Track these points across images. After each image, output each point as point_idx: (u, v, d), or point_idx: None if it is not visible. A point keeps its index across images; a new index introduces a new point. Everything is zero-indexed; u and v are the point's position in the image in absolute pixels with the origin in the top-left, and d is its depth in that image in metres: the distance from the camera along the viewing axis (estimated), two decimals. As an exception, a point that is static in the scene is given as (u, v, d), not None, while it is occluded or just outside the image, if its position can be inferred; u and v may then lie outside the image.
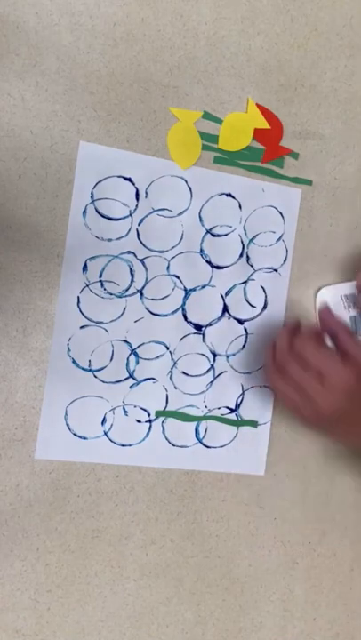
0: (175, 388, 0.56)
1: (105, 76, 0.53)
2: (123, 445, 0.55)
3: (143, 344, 0.55)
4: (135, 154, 0.54)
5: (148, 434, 0.55)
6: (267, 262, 0.58)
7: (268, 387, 0.58)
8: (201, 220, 0.56)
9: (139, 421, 0.55)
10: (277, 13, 0.58)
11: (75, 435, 0.53)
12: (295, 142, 0.59)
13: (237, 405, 0.58)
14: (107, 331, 0.54)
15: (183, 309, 0.56)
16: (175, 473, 0.56)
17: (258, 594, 0.59)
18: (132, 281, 0.54)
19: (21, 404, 0.52)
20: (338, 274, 0.60)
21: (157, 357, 0.55)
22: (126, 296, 0.54)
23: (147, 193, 0.54)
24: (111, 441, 0.54)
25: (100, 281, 0.54)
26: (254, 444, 0.58)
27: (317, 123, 0.59)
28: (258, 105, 0.57)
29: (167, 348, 0.56)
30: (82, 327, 0.53)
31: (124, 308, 0.54)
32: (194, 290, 0.56)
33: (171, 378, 0.56)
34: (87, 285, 0.53)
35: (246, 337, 0.58)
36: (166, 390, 0.56)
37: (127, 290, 0.54)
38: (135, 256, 0.54)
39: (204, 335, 0.57)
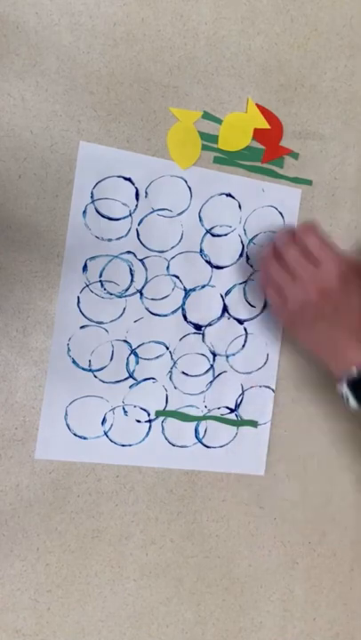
0: (175, 387, 0.56)
1: (105, 76, 0.53)
2: (123, 445, 0.55)
3: (143, 344, 0.55)
4: (135, 154, 0.54)
5: (147, 434, 0.55)
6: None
7: (261, 290, 0.57)
8: (201, 219, 0.56)
9: (138, 421, 0.55)
10: (277, 13, 0.58)
11: (75, 435, 0.53)
12: (295, 142, 0.59)
13: (237, 405, 0.58)
14: (107, 331, 0.54)
15: (183, 309, 0.56)
16: (175, 473, 0.56)
17: (258, 594, 0.59)
18: (131, 281, 0.54)
19: (21, 403, 0.52)
20: (338, 274, 0.60)
21: (157, 357, 0.55)
22: (126, 296, 0.54)
23: (147, 193, 0.54)
24: (111, 441, 0.54)
25: (100, 281, 0.54)
26: (254, 443, 0.58)
27: (317, 123, 0.59)
28: (258, 105, 0.57)
29: (167, 348, 0.56)
30: (82, 327, 0.53)
31: (124, 308, 0.54)
32: (194, 290, 0.56)
33: (170, 378, 0.56)
34: (87, 285, 0.53)
35: (246, 337, 0.58)
36: (166, 390, 0.56)
37: (127, 290, 0.54)
38: (135, 256, 0.54)
39: (203, 335, 0.57)
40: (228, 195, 0.57)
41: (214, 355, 0.57)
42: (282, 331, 0.59)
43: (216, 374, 0.57)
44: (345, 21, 0.60)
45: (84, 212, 0.53)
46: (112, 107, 0.53)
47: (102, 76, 0.53)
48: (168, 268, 0.55)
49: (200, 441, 0.57)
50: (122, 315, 0.54)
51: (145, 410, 0.55)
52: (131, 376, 0.55)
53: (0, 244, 0.51)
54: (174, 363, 0.56)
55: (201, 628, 0.57)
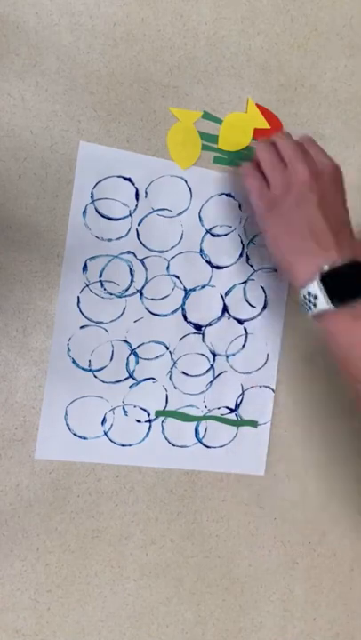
0: (175, 387, 0.56)
1: (105, 76, 0.53)
2: (123, 445, 0.55)
3: (143, 344, 0.55)
4: (135, 154, 0.54)
5: (147, 434, 0.55)
6: (267, 262, 0.58)
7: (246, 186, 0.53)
8: (201, 219, 0.56)
9: (138, 421, 0.55)
10: (277, 13, 0.58)
11: (75, 435, 0.53)
12: (295, 142, 0.58)
13: (237, 405, 0.58)
14: (107, 331, 0.54)
15: (183, 309, 0.56)
16: (175, 473, 0.56)
17: (258, 594, 0.59)
18: (131, 281, 0.54)
19: (21, 403, 0.52)
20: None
21: (157, 357, 0.55)
22: (126, 296, 0.54)
23: (146, 193, 0.54)
24: (111, 441, 0.54)
25: (100, 281, 0.54)
26: (254, 443, 0.58)
27: (317, 123, 0.59)
28: (258, 105, 0.57)
29: (167, 348, 0.56)
30: (82, 327, 0.53)
31: (124, 308, 0.54)
32: (194, 290, 0.56)
33: (170, 378, 0.56)
34: (87, 285, 0.53)
35: (246, 337, 0.58)
36: (166, 390, 0.56)
37: (127, 290, 0.54)
38: (135, 256, 0.54)
39: (203, 335, 0.57)
40: (228, 195, 0.57)
41: (214, 355, 0.57)
42: (282, 330, 0.59)
43: (216, 374, 0.57)
44: (345, 21, 0.60)
45: (84, 212, 0.53)
46: (112, 107, 0.53)
47: (102, 75, 0.53)
48: (168, 268, 0.55)
49: (200, 441, 0.57)
50: (122, 315, 0.54)
51: (145, 410, 0.55)
52: (131, 376, 0.55)
53: (0, 244, 0.51)
54: (174, 363, 0.56)
55: (201, 628, 0.57)
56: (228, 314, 0.57)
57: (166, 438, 0.56)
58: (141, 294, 0.55)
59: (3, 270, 0.51)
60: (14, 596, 0.52)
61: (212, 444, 0.57)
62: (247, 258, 0.58)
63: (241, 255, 0.58)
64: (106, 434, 0.54)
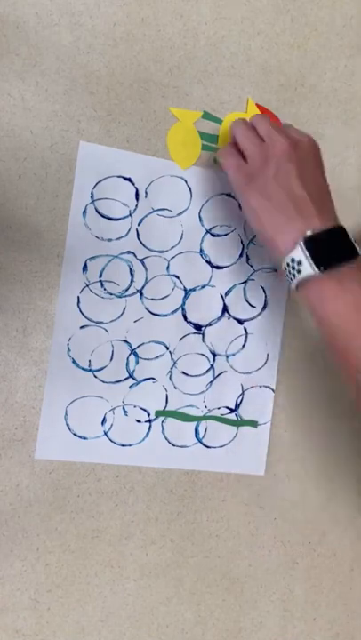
0: (175, 387, 0.56)
1: (105, 76, 0.53)
2: (123, 445, 0.55)
3: (143, 344, 0.55)
4: (135, 154, 0.54)
5: (147, 434, 0.55)
6: (267, 262, 0.58)
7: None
8: (201, 220, 0.56)
9: (138, 421, 0.55)
10: (277, 13, 0.58)
11: (75, 435, 0.53)
12: (295, 142, 0.58)
13: (237, 405, 0.58)
14: (107, 331, 0.54)
15: (183, 309, 0.56)
16: (175, 473, 0.56)
17: (258, 594, 0.59)
18: (131, 281, 0.54)
19: (21, 403, 0.52)
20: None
21: (157, 357, 0.55)
22: (126, 296, 0.54)
23: (146, 193, 0.54)
24: (111, 441, 0.54)
25: (100, 281, 0.54)
26: (254, 443, 0.58)
27: (317, 123, 0.59)
28: (258, 105, 0.57)
29: (167, 348, 0.56)
30: (82, 327, 0.53)
31: (124, 308, 0.54)
32: (194, 290, 0.56)
33: (170, 378, 0.56)
34: (87, 285, 0.53)
35: (246, 337, 0.58)
36: (166, 390, 0.56)
37: (127, 290, 0.54)
38: (135, 256, 0.54)
39: (203, 335, 0.57)
40: (228, 195, 0.57)
41: (214, 355, 0.57)
42: (282, 330, 0.59)
43: (216, 374, 0.57)
44: (345, 21, 0.60)
45: (84, 211, 0.53)
46: (112, 107, 0.53)
47: (102, 76, 0.53)
48: (168, 268, 0.55)
49: (200, 441, 0.57)
50: (122, 315, 0.54)
51: (145, 410, 0.55)
52: (131, 376, 0.55)
53: (0, 244, 0.51)
54: (174, 363, 0.56)
55: (201, 628, 0.57)
56: (228, 314, 0.57)
57: (166, 438, 0.56)
58: (141, 294, 0.55)
59: (3, 270, 0.51)
60: (14, 596, 0.52)
61: (212, 444, 0.57)
62: (247, 258, 0.58)
63: (241, 255, 0.58)
64: (106, 434, 0.54)
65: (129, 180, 0.54)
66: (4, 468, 0.51)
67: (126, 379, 0.55)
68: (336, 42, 0.60)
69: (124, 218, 0.54)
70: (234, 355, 0.58)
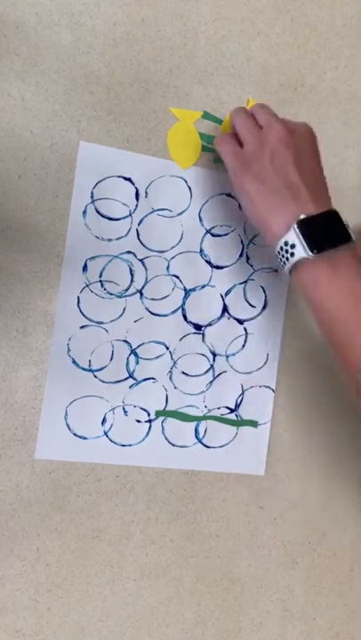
0: (175, 387, 0.56)
1: (105, 76, 0.53)
2: (123, 445, 0.55)
3: (143, 344, 0.55)
4: (135, 154, 0.54)
5: (147, 434, 0.55)
6: (267, 262, 0.58)
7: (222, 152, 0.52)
8: (201, 220, 0.56)
9: (138, 421, 0.55)
10: (277, 13, 0.58)
11: (75, 435, 0.53)
12: (295, 142, 0.58)
13: (237, 405, 0.58)
14: (107, 331, 0.54)
15: (183, 309, 0.56)
16: (175, 473, 0.56)
17: (258, 594, 0.59)
18: (131, 281, 0.54)
19: (21, 403, 0.52)
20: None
21: (157, 357, 0.55)
22: (126, 296, 0.54)
23: (146, 193, 0.54)
24: (111, 441, 0.54)
25: (100, 281, 0.54)
26: (254, 443, 0.58)
27: (317, 123, 0.59)
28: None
29: (167, 348, 0.56)
30: (82, 327, 0.53)
31: (124, 308, 0.54)
32: (194, 290, 0.56)
33: (170, 378, 0.56)
34: (87, 285, 0.53)
35: (246, 337, 0.58)
36: (166, 390, 0.56)
37: (127, 290, 0.54)
38: (135, 256, 0.54)
39: (203, 335, 0.57)
40: (228, 195, 0.57)
41: (214, 355, 0.57)
42: (282, 330, 0.59)
43: (216, 374, 0.57)
44: (345, 21, 0.60)
45: (84, 212, 0.53)
46: (112, 107, 0.53)
47: (102, 76, 0.53)
48: (168, 268, 0.55)
49: (200, 441, 0.57)
50: (122, 315, 0.54)
51: (145, 410, 0.55)
52: (131, 376, 0.55)
53: (0, 244, 0.51)
54: (174, 363, 0.56)
55: (201, 628, 0.57)
56: (228, 314, 0.57)
57: (166, 438, 0.56)
58: (141, 294, 0.55)
59: (3, 270, 0.51)
60: (14, 596, 0.52)
61: (212, 444, 0.57)
62: (247, 258, 0.58)
63: (241, 255, 0.58)
64: (106, 434, 0.54)
65: (129, 180, 0.54)
66: (4, 468, 0.51)
67: (126, 379, 0.55)
68: (336, 42, 0.60)
69: (124, 218, 0.54)
70: (234, 355, 0.58)
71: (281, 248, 0.47)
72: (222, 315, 0.57)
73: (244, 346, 0.58)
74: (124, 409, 0.55)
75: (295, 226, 0.46)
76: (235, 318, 0.58)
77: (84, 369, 0.53)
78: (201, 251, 0.56)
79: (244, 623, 0.58)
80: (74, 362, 0.53)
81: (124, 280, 0.54)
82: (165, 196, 0.55)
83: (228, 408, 0.57)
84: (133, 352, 0.55)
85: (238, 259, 0.57)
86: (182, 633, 0.56)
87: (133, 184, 0.54)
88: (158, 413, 0.56)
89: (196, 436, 0.57)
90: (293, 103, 0.59)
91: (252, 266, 0.58)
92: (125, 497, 0.55)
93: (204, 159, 0.56)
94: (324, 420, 0.61)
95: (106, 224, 0.53)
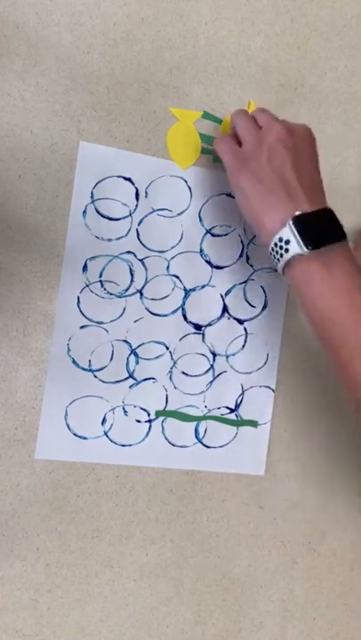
0: (175, 387, 0.56)
1: (105, 76, 0.53)
2: (123, 445, 0.55)
3: (143, 344, 0.55)
4: (135, 154, 0.54)
5: (147, 434, 0.55)
6: (267, 262, 0.58)
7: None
8: (201, 220, 0.56)
9: (138, 421, 0.55)
10: (277, 13, 0.58)
11: (75, 435, 0.53)
12: (295, 142, 0.58)
13: (237, 405, 0.58)
14: (107, 331, 0.54)
15: (183, 309, 0.56)
16: (175, 473, 0.56)
17: (258, 594, 0.59)
18: (131, 281, 0.54)
19: (21, 403, 0.52)
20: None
21: (157, 357, 0.55)
22: (126, 296, 0.54)
23: (146, 193, 0.54)
24: (111, 441, 0.54)
25: (100, 281, 0.54)
26: (254, 443, 0.58)
27: (317, 123, 0.59)
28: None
29: (167, 348, 0.56)
30: (82, 327, 0.53)
31: (124, 308, 0.54)
32: (194, 290, 0.56)
33: (170, 378, 0.56)
34: (87, 285, 0.53)
35: (246, 337, 0.58)
36: (166, 390, 0.56)
37: (127, 290, 0.54)
38: (135, 256, 0.54)
39: (203, 335, 0.57)
40: (228, 195, 0.57)
41: (214, 355, 0.57)
42: (282, 330, 0.59)
43: (216, 374, 0.57)
44: (345, 21, 0.60)
45: (84, 212, 0.53)
46: (112, 107, 0.53)
47: (102, 76, 0.53)
48: (168, 268, 0.55)
49: (200, 441, 0.57)
50: (122, 315, 0.54)
51: (145, 410, 0.55)
52: (131, 376, 0.55)
53: (0, 244, 0.51)
54: (174, 363, 0.56)
55: (201, 628, 0.57)
56: (228, 314, 0.57)
57: (166, 438, 0.56)
58: (141, 294, 0.55)
59: (3, 270, 0.51)
60: (14, 596, 0.52)
61: (212, 444, 0.57)
62: (247, 258, 0.58)
63: (241, 255, 0.58)
64: (106, 434, 0.54)
65: (129, 180, 0.54)
66: (4, 468, 0.51)
67: (126, 379, 0.55)
68: (336, 42, 0.60)
69: (124, 218, 0.54)
70: (234, 355, 0.58)
71: (275, 244, 0.47)
72: (222, 315, 0.57)
73: (244, 346, 0.58)
74: (124, 409, 0.55)
75: (290, 222, 0.46)
76: (235, 318, 0.58)
77: (84, 369, 0.53)
78: (201, 251, 0.56)
79: (244, 623, 0.58)
80: (74, 362, 0.53)
81: (124, 280, 0.54)
82: (165, 195, 0.55)
83: (228, 408, 0.57)
84: (133, 352, 0.55)
85: (238, 259, 0.57)
86: (182, 633, 0.56)
87: (133, 184, 0.54)
88: (158, 413, 0.56)
89: (196, 436, 0.57)
90: (293, 103, 0.59)
91: (252, 266, 0.58)
92: (125, 497, 0.55)
93: (203, 159, 0.56)
94: (324, 420, 0.61)
95: (106, 224, 0.53)
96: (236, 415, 0.58)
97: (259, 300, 0.58)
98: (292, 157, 0.48)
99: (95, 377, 0.54)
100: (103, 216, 0.53)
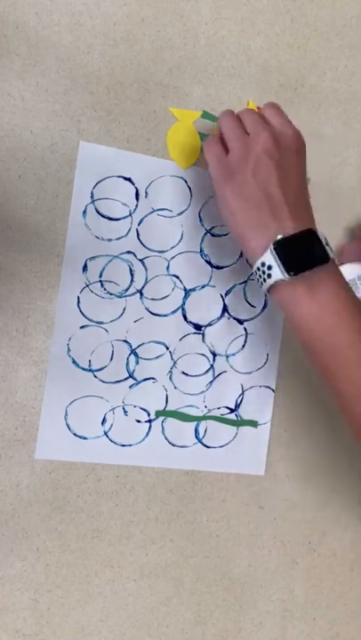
0: (175, 387, 0.56)
1: (105, 76, 0.53)
2: (123, 445, 0.55)
3: (143, 344, 0.55)
4: (135, 154, 0.54)
5: (147, 434, 0.55)
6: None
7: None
8: (201, 219, 0.56)
9: (138, 421, 0.55)
10: (277, 13, 0.58)
11: (75, 435, 0.53)
12: (295, 142, 0.58)
13: (237, 405, 0.58)
14: (107, 331, 0.54)
15: (183, 309, 0.56)
16: (175, 473, 0.56)
17: (258, 594, 0.59)
18: (131, 281, 0.54)
19: (21, 403, 0.52)
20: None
21: (157, 357, 0.55)
22: (126, 296, 0.54)
23: (146, 193, 0.54)
24: (111, 441, 0.54)
25: (100, 281, 0.54)
26: (254, 443, 0.58)
27: (317, 123, 0.59)
28: (259, 108, 0.57)
29: (167, 348, 0.56)
30: (82, 327, 0.53)
31: (124, 308, 0.54)
32: (194, 290, 0.56)
33: (170, 378, 0.56)
34: (87, 285, 0.53)
35: (246, 337, 0.58)
36: (166, 390, 0.56)
37: (127, 290, 0.54)
38: (135, 256, 0.54)
39: (203, 335, 0.57)
40: (228, 195, 0.57)
41: (214, 355, 0.57)
42: (282, 330, 0.59)
43: (216, 374, 0.57)
44: (345, 21, 0.60)
45: (84, 212, 0.53)
46: (112, 107, 0.53)
47: (102, 76, 0.53)
48: (168, 268, 0.55)
49: (200, 441, 0.57)
50: (122, 315, 0.54)
51: (145, 410, 0.55)
52: (131, 376, 0.55)
53: (0, 244, 0.51)
54: (174, 363, 0.56)
55: (201, 628, 0.57)
56: (228, 314, 0.57)
57: (166, 438, 0.56)
58: (141, 294, 0.55)
59: (3, 270, 0.51)
60: (14, 596, 0.52)
61: (212, 444, 0.57)
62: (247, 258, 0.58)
63: (241, 255, 0.58)
64: (106, 434, 0.54)
65: (129, 180, 0.54)
66: (4, 468, 0.51)
67: (126, 379, 0.55)
68: (336, 42, 0.60)
69: (124, 218, 0.54)
70: (234, 355, 0.58)
71: (258, 269, 0.47)
72: (222, 315, 0.57)
73: (244, 346, 0.58)
74: (124, 409, 0.55)
75: (272, 247, 0.45)
76: (235, 318, 0.58)
77: (84, 369, 0.53)
78: (201, 251, 0.56)
79: (244, 623, 0.58)
80: (74, 362, 0.53)
81: (124, 280, 0.54)
82: (165, 195, 0.55)
83: (228, 408, 0.57)
84: (133, 352, 0.55)
85: (238, 259, 0.57)
86: (182, 633, 0.56)
87: (133, 184, 0.54)
88: (158, 413, 0.56)
89: (196, 436, 0.57)
90: (293, 103, 0.59)
91: (252, 266, 0.58)
92: (125, 497, 0.55)
93: (203, 159, 0.56)
94: (324, 420, 0.61)
95: (106, 224, 0.53)
96: (236, 415, 0.58)
97: (259, 300, 0.58)
98: (277, 171, 0.47)
99: (95, 377, 0.54)
100: (103, 216, 0.53)
